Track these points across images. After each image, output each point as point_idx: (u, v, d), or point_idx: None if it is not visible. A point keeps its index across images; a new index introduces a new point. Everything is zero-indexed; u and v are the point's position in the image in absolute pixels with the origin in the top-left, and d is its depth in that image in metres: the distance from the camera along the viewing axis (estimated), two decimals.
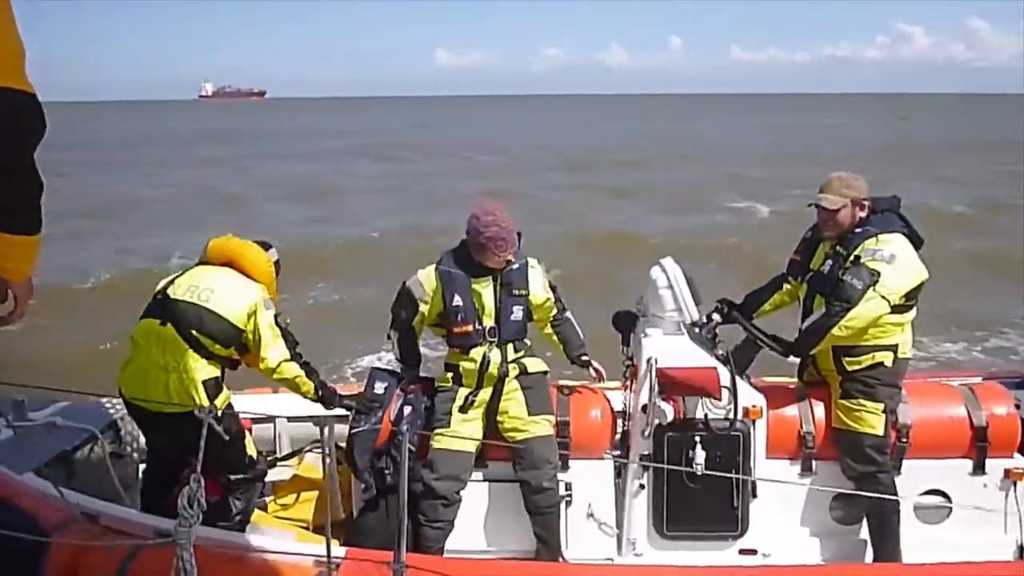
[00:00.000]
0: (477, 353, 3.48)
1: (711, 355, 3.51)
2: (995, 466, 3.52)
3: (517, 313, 3.52)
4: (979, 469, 3.52)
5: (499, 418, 3.52)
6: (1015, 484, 3.51)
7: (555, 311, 3.69)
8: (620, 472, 3.71)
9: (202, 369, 3.34)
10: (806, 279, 3.57)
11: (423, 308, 3.54)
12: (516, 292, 3.51)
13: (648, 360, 3.45)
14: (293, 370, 3.46)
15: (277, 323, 3.42)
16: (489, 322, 3.49)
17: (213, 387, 3.36)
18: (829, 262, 3.46)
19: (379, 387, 3.69)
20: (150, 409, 3.27)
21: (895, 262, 3.29)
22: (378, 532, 3.44)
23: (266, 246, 3.64)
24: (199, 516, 2.21)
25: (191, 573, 2.21)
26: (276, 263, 3.64)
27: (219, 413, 3.31)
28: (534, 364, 3.60)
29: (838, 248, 3.44)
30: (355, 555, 2.96)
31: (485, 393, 3.52)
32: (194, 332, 3.31)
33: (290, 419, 4.52)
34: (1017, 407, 4.12)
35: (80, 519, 3.14)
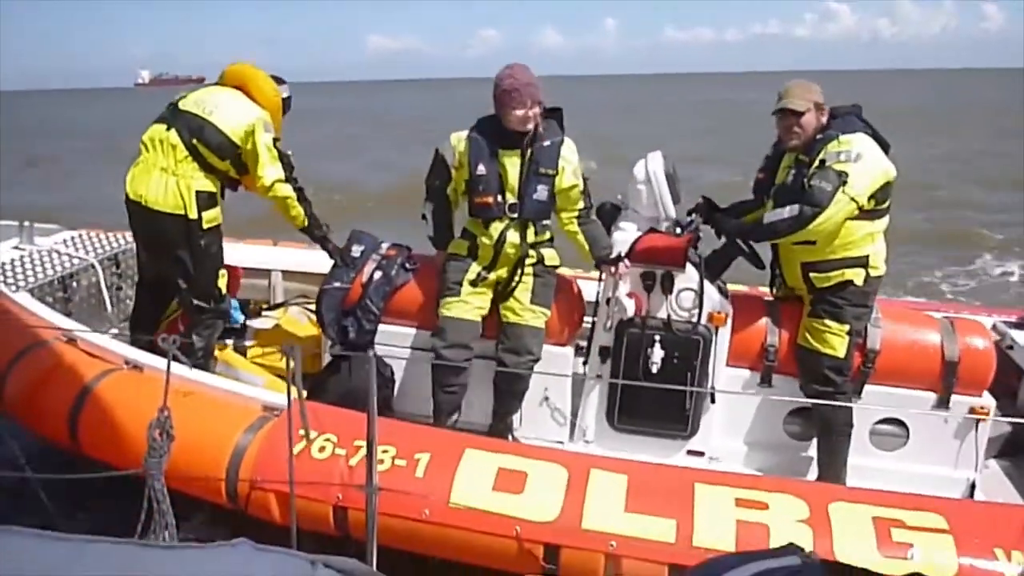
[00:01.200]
0: (495, 228, 3.42)
1: None
2: (960, 402, 3.43)
3: (541, 193, 3.38)
4: (943, 404, 3.44)
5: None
6: (977, 423, 3.44)
7: (582, 204, 3.48)
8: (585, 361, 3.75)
9: (198, 179, 3.48)
10: (771, 194, 3.41)
11: (455, 174, 3.47)
12: (543, 171, 3.36)
13: (617, 254, 3.42)
14: (286, 190, 3.57)
15: (276, 147, 3.53)
16: (512, 197, 3.39)
17: (206, 200, 3.50)
18: (793, 171, 3.31)
19: (356, 250, 3.77)
20: (147, 206, 3.45)
21: (860, 161, 3.13)
22: (334, 388, 3.60)
23: (279, 80, 3.75)
24: (169, 447, 2.24)
25: (163, 502, 2.23)
26: (285, 99, 3.76)
27: (204, 227, 3.50)
28: (551, 257, 3.53)
29: (801, 157, 3.28)
30: (306, 405, 3.09)
31: (499, 272, 3.48)
32: (195, 141, 3.46)
33: (285, 273, 4.68)
34: (1010, 347, 4.01)
35: (58, 339, 3.36)
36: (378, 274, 3.70)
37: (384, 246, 3.78)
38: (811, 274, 3.33)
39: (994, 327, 4.21)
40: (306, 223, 3.67)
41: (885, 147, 3.30)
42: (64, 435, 3.08)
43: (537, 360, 3.45)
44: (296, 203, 3.58)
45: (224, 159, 3.51)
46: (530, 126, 3.29)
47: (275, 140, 3.53)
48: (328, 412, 3.05)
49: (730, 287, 3.82)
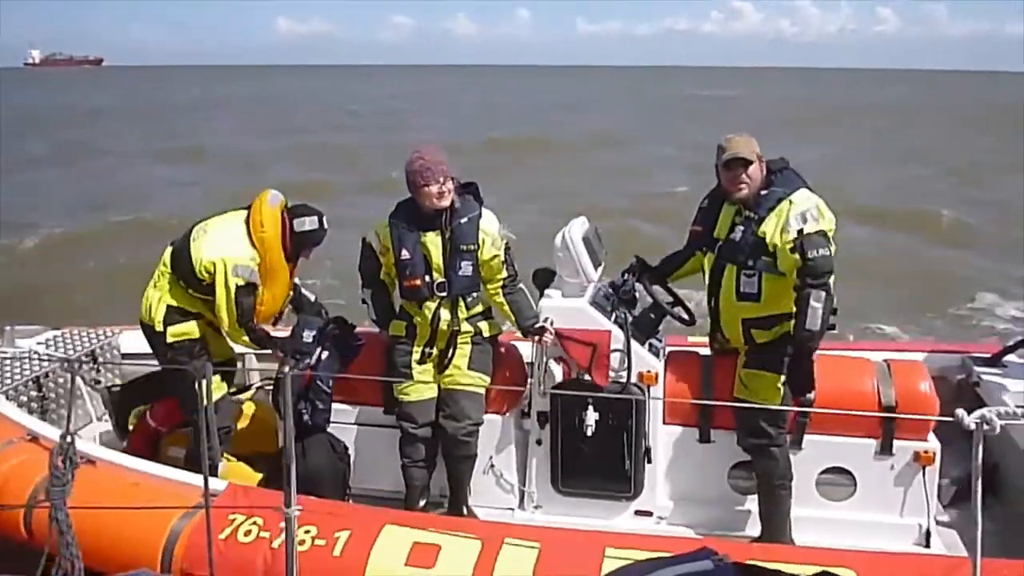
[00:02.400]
0: (428, 308, 3.52)
1: (607, 318, 3.51)
2: (904, 447, 3.37)
3: (466, 268, 3.48)
4: (886, 449, 3.38)
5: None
6: (924, 468, 3.36)
7: (504, 274, 3.55)
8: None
9: (174, 295, 3.68)
10: (715, 249, 3.40)
11: (383, 260, 3.59)
12: (464, 247, 3.45)
13: (545, 320, 3.49)
14: (237, 336, 3.69)
15: (241, 293, 3.53)
16: (439, 276, 3.48)
17: (174, 314, 3.67)
18: (740, 228, 3.29)
19: (307, 335, 3.90)
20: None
21: (823, 217, 3.16)
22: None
23: (302, 213, 3.66)
24: (73, 474, 2.26)
25: (67, 533, 2.23)
26: (304, 233, 3.64)
27: (167, 340, 3.68)
28: (487, 328, 3.63)
29: (748, 213, 3.28)
30: (235, 489, 3.22)
31: (439, 345, 3.59)
32: (173, 263, 3.68)
33: (259, 356, 4.85)
34: (976, 384, 3.93)
35: (19, 439, 3.56)
36: (325, 355, 3.84)
37: (330, 327, 3.92)
38: (753, 330, 3.33)
39: (962, 363, 4.15)
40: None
41: None
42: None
43: (478, 424, 3.53)
44: (250, 344, 3.73)
45: (190, 287, 3.65)
46: (445, 202, 3.40)
47: (245, 284, 3.54)
48: (259, 494, 3.16)
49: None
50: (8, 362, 4.21)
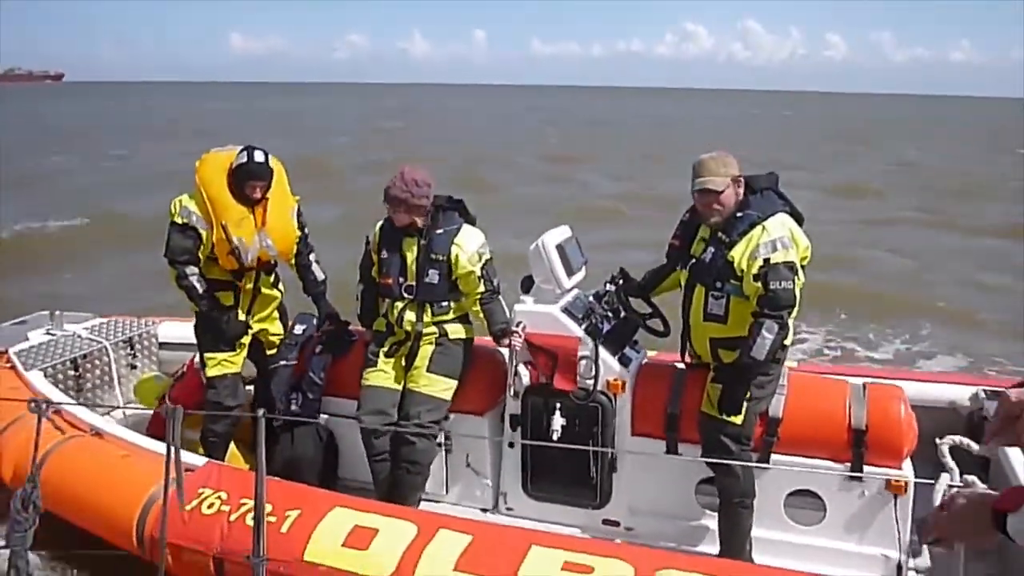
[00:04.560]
0: (396, 308, 3.72)
1: (578, 325, 3.55)
2: (874, 473, 3.24)
3: (433, 277, 3.65)
4: (856, 475, 3.27)
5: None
6: (896, 496, 3.22)
7: (482, 288, 3.67)
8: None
9: None
10: (687, 267, 3.40)
11: (375, 257, 3.82)
12: (434, 257, 3.63)
13: (516, 325, 3.58)
14: (171, 270, 3.77)
15: (173, 229, 3.69)
16: (410, 280, 3.69)
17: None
18: (711, 249, 3.28)
19: (299, 329, 4.15)
20: None
21: (793, 246, 3.12)
22: (278, 457, 3.93)
23: (246, 148, 3.73)
24: (35, 519, 2.22)
25: None
26: (237, 168, 3.68)
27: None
28: (456, 331, 3.75)
29: (720, 235, 3.26)
30: (210, 467, 3.45)
31: (407, 344, 3.77)
32: None
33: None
34: (984, 418, 3.75)
35: (43, 408, 3.93)
36: (319, 348, 4.06)
37: (325, 325, 4.13)
38: (719, 350, 3.31)
39: (975, 395, 3.94)
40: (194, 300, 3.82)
41: (800, 219, 3.31)
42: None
43: (423, 427, 3.60)
44: (173, 281, 3.80)
45: None
46: (404, 224, 3.64)
47: (172, 223, 3.69)
48: (229, 473, 3.38)
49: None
50: (53, 343, 4.65)
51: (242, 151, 3.72)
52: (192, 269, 3.73)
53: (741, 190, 3.25)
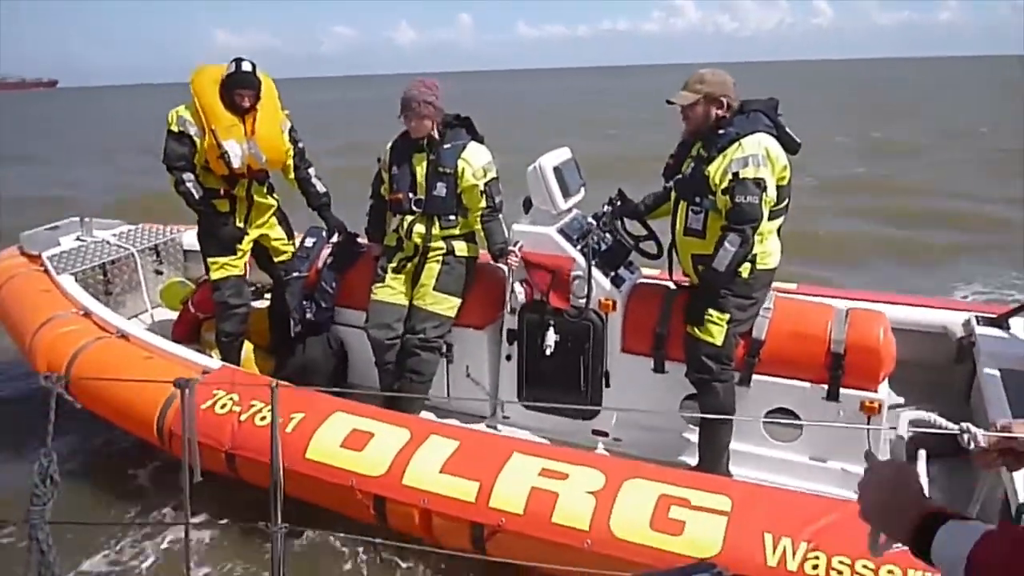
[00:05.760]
0: (405, 222, 3.87)
1: (573, 246, 3.67)
2: (850, 395, 3.37)
3: (441, 190, 3.77)
4: (833, 396, 3.40)
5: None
6: (869, 417, 3.36)
7: (483, 204, 3.78)
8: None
9: None
10: (674, 184, 3.50)
11: (385, 175, 3.98)
12: (441, 169, 3.75)
13: (515, 244, 3.70)
14: (169, 176, 3.99)
15: (169, 136, 3.90)
16: (420, 193, 3.82)
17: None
18: (692, 165, 3.38)
19: (309, 241, 4.33)
20: None
21: (766, 164, 3.17)
22: (292, 363, 4.18)
23: (235, 59, 3.93)
24: (53, 493, 2.17)
25: (48, 552, 2.17)
26: (226, 77, 3.88)
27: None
28: (461, 248, 3.89)
29: (700, 151, 3.34)
30: (224, 370, 3.71)
31: (413, 262, 3.94)
32: None
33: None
34: (972, 343, 3.82)
35: (73, 312, 4.21)
36: (330, 259, 4.25)
37: (335, 237, 4.30)
38: (699, 266, 3.41)
39: (967, 321, 4.01)
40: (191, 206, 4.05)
41: (794, 146, 3.33)
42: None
43: (427, 340, 3.80)
44: (172, 187, 3.99)
45: None
46: (417, 134, 3.70)
47: (169, 131, 3.91)
48: (242, 377, 3.64)
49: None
50: (83, 248, 4.90)
51: (231, 62, 3.90)
52: (188, 175, 3.93)
53: (719, 110, 3.29)
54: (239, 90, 3.88)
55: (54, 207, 9.60)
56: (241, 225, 4.15)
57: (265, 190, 4.21)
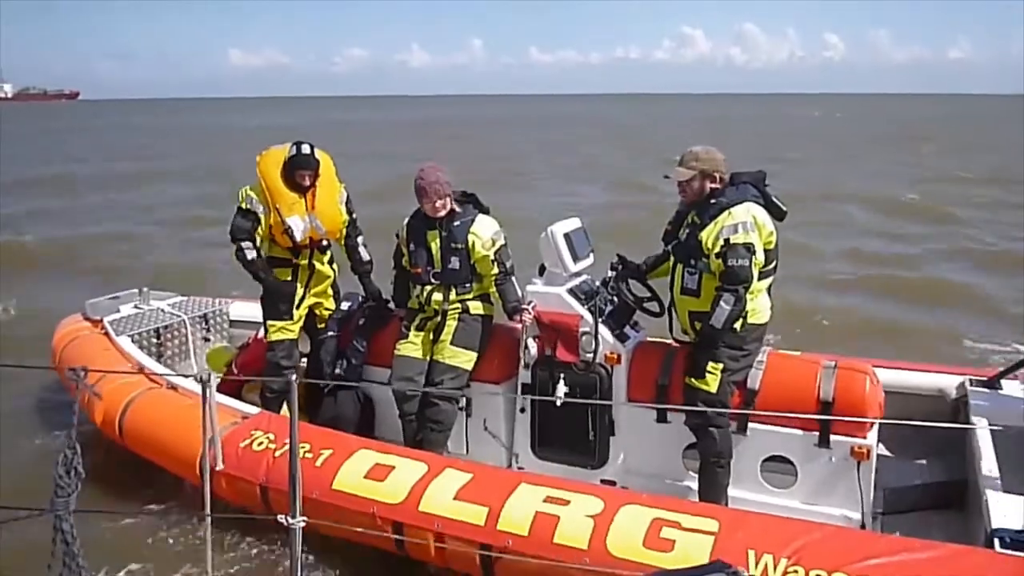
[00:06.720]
0: (425, 291, 4.27)
1: (581, 305, 4.02)
2: (840, 442, 3.59)
3: (455, 263, 4.19)
4: (824, 443, 3.62)
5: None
6: (859, 463, 3.56)
7: (496, 270, 4.15)
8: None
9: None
10: (672, 248, 3.86)
11: (404, 250, 4.41)
12: (454, 245, 4.17)
13: (528, 303, 4.07)
14: (235, 248, 4.39)
15: (238, 213, 4.34)
16: (437, 267, 4.24)
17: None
18: (687, 231, 3.75)
19: (345, 305, 4.75)
20: None
21: (754, 230, 3.54)
22: (324, 414, 4.52)
23: (295, 143, 4.34)
24: (77, 485, 2.19)
25: (72, 544, 2.18)
26: (288, 160, 4.28)
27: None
28: (476, 307, 4.27)
29: (695, 218, 3.72)
30: (262, 415, 4.06)
31: (435, 320, 4.34)
32: None
33: None
34: (965, 403, 4.03)
35: (129, 368, 4.64)
36: (362, 321, 4.65)
37: (369, 302, 4.72)
38: (696, 322, 3.74)
39: (962, 383, 4.22)
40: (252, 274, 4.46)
41: (780, 214, 3.72)
42: (113, 431, 4.29)
43: (445, 391, 4.13)
44: (234, 256, 4.43)
45: None
46: (440, 213, 4.14)
47: (238, 208, 4.35)
48: (277, 421, 3.98)
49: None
50: (140, 315, 5.39)
51: (292, 146, 4.36)
52: (248, 244, 4.37)
53: (713, 184, 3.67)
54: (300, 171, 4.33)
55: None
56: (302, 292, 4.56)
57: (326, 259, 4.65)
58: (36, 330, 6.34)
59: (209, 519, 2.85)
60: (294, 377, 2.73)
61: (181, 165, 25.03)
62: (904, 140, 35.32)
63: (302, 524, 2.52)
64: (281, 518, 2.51)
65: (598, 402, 3.98)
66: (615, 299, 4.16)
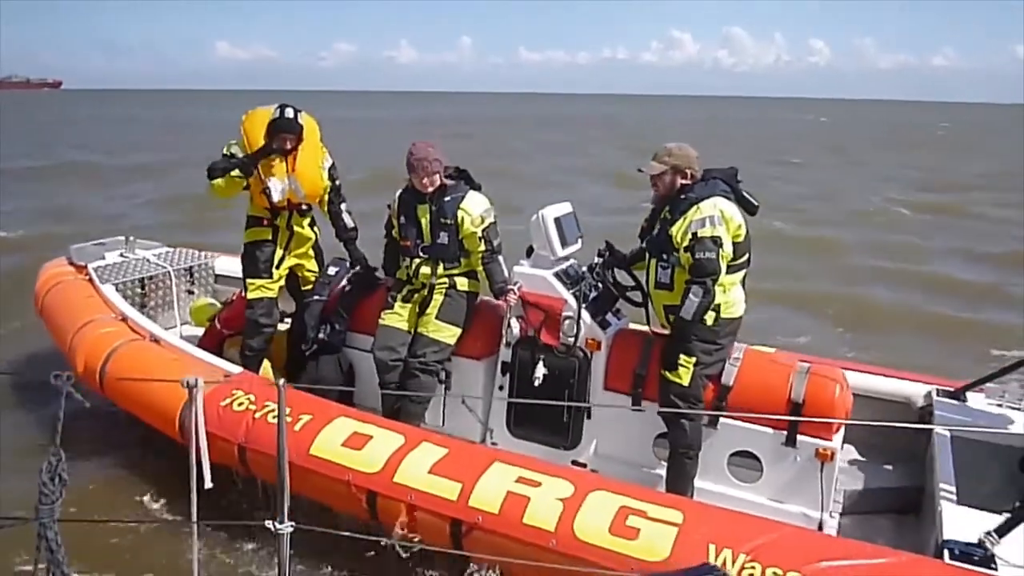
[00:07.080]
0: (413, 263, 4.33)
1: (567, 289, 4.08)
2: (807, 443, 3.70)
3: (443, 238, 4.24)
4: (791, 442, 3.72)
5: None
6: (823, 463, 3.68)
7: (482, 248, 4.22)
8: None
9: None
10: (645, 243, 3.95)
11: (395, 222, 4.45)
12: (443, 220, 4.23)
13: (514, 284, 4.12)
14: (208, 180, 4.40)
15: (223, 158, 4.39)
16: (426, 240, 4.28)
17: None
18: (659, 226, 3.83)
19: (332, 270, 4.78)
20: None
21: (721, 224, 3.61)
22: (305, 378, 4.57)
23: (280, 105, 4.38)
24: (62, 492, 2.15)
25: (57, 551, 2.15)
26: (270, 123, 4.31)
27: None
28: (463, 283, 4.33)
29: (666, 214, 3.79)
30: (243, 375, 4.10)
31: (422, 292, 4.39)
32: None
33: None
34: (930, 412, 4.14)
35: (112, 317, 4.65)
36: (348, 288, 4.68)
37: (356, 268, 4.75)
38: (671, 315, 3.81)
39: (929, 393, 4.33)
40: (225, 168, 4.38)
41: (752, 208, 3.78)
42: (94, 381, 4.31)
43: (426, 364, 4.20)
44: (211, 190, 4.39)
45: None
46: (428, 189, 4.18)
47: (223, 152, 4.39)
48: (257, 381, 4.02)
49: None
50: (125, 263, 5.38)
51: (276, 108, 4.37)
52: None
53: (684, 180, 3.76)
54: (282, 134, 4.35)
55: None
56: (281, 253, 4.58)
57: (306, 223, 4.67)
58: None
59: (196, 526, 2.86)
60: (282, 382, 2.67)
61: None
62: (895, 145, 35.61)
63: (290, 529, 2.53)
64: (269, 524, 2.50)
65: (579, 403, 4.06)
66: (599, 285, 4.22)
